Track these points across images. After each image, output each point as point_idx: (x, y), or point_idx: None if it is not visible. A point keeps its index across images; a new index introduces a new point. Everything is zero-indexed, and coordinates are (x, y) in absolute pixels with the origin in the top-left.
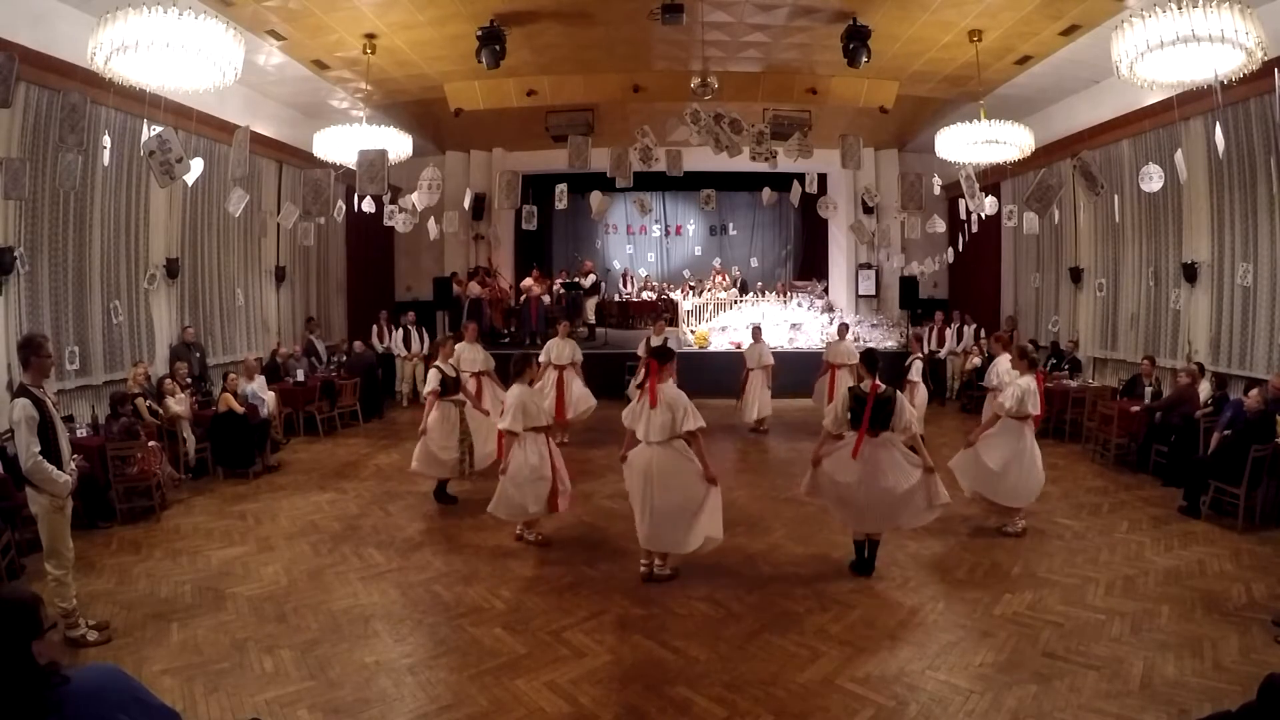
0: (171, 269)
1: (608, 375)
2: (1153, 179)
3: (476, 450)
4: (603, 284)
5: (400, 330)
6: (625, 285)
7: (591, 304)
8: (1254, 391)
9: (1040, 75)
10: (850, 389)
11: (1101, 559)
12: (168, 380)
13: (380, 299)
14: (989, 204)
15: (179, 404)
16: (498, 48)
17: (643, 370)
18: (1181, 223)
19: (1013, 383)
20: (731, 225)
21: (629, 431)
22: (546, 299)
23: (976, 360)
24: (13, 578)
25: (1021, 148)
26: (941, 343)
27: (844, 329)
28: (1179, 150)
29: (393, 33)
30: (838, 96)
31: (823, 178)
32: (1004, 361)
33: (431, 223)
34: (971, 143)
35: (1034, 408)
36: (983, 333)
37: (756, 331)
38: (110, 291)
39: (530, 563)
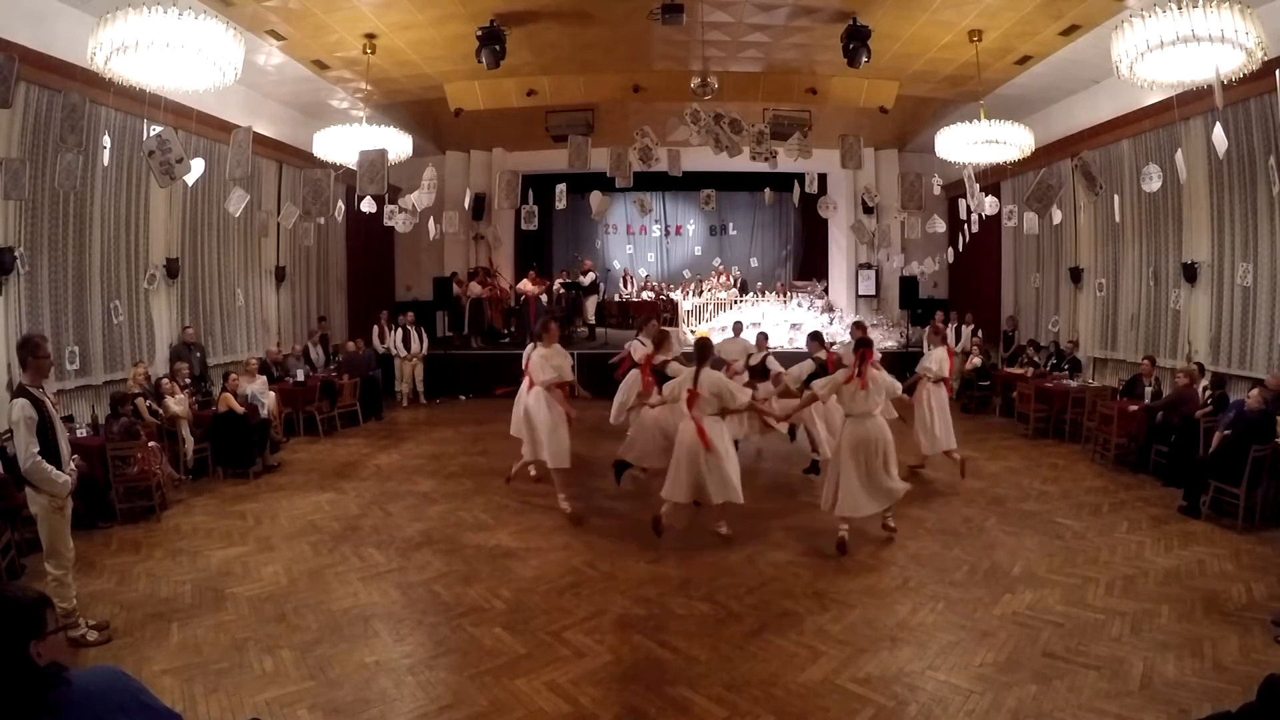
0: (171, 269)
1: (608, 375)
2: (1153, 179)
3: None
4: (602, 284)
5: (399, 330)
6: (625, 285)
7: (591, 303)
8: (1254, 391)
9: (1040, 75)
10: (814, 359)
11: (1101, 559)
12: (165, 380)
13: (380, 299)
14: (989, 204)
15: (178, 404)
16: (498, 48)
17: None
18: (1181, 223)
19: (930, 354)
20: (731, 225)
21: (809, 394)
22: (545, 299)
23: (977, 360)
24: (13, 578)
25: (1021, 148)
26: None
27: (739, 326)
28: (1179, 150)
29: (393, 33)
30: (838, 96)
31: (823, 178)
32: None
33: (431, 223)
34: (971, 143)
35: (946, 372)
36: (980, 333)
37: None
38: (110, 291)
39: (530, 563)
